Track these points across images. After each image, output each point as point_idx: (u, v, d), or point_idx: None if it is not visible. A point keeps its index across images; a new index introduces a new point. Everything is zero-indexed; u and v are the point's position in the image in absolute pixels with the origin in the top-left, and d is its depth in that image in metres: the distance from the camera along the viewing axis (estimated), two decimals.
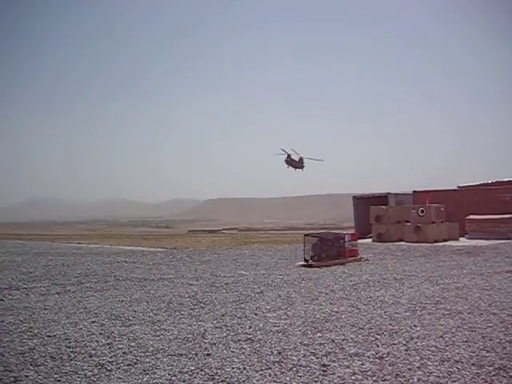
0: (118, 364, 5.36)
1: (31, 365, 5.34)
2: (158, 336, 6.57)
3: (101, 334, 6.70)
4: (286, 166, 65.23)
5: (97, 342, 6.28)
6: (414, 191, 30.67)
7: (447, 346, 5.91)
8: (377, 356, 5.59)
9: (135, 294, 9.97)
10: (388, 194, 30.43)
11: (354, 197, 33.33)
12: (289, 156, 65.05)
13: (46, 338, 6.45)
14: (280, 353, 5.73)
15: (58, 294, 10.15)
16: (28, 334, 6.71)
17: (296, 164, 65.73)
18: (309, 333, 6.66)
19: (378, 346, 6.01)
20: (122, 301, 9.23)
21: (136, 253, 21.49)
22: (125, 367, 5.25)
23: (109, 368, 5.22)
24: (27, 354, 5.73)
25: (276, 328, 6.94)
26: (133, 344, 6.16)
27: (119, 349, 5.94)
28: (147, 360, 5.49)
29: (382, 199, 29.48)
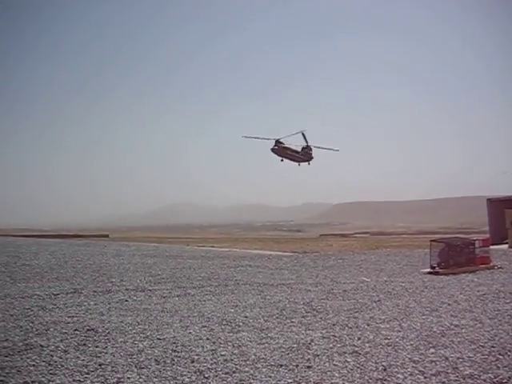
0: (216, 372, 5.34)
1: (135, 367, 5.49)
2: (263, 344, 6.49)
3: (208, 339, 6.76)
4: (279, 157, 51.78)
5: (202, 347, 6.34)
6: None
7: None
8: (495, 380, 5.06)
9: (251, 300, 10.01)
10: None
11: (489, 199, 31.27)
12: (278, 143, 51.21)
13: (155, 341, 6.62)
14: (385, 369, 5.40)
15: (178, 296, 10.44)
16: (141, 335, 6.93)
17: (292, 155, 52.05)
18: (421, 348, 6.24)
19: (498, 368, 5.45)
20: (237, 306, 9.30)
21: (262, 257, 21.73)
22: (222, 375, 5.23)
23: (207, 375, 5.22)
24: (135, 356, 5.91)
25: (386, 341, 6.59)
26: (236, 351, 6.14)
27: (221, 356, 5.94)
28: (246, 369, 5.43)
29: None
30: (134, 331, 7.18)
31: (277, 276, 14.00)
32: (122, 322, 7.81)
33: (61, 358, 5.82)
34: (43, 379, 5.07)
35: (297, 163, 54.81)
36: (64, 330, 7.13)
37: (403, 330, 7.22)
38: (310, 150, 52.50)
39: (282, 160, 51.91)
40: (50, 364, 5.56)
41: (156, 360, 5.75)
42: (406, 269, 15.26)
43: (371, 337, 6.83)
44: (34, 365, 5.53)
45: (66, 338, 6.69)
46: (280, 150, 50.63)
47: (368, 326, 7.54)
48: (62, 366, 5.52)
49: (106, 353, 6.04)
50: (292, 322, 7.90)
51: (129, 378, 5.15)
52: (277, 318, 8.22)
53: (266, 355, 5.97)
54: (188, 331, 7.20)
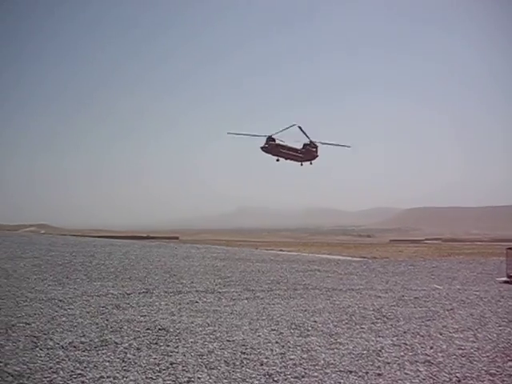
0: (285, 375, 5.34)
1: (206, 367, 5.57)
2: (332, 349, 6.44)
3: (277, 342, 6.76)
4: (274, 157, 44.99)
5: (271, 350, 6.35)
6: None
7: None
8: None
9: (320, 304, 9.94)
10: None
11: None
12: (269, 140, 44.91)
13: (225, 343, 6.69)
14: (459, 381, 5.23)
15: (247, 299, 10.50)
16: (211, 336, 7.02)
17: (289, 153, 45.58)
18: (498, 360, 6.00)
19: None
20: (306, 310, 9.26)
21: (331, 261, 21.58)
22: (292, 379, 5.22)
23: (276, 379, 5.23)
24: (205, 357, 5.99)
25: (460, 351, 6.38)
26: (305, 356, 6.11)
27: (291, 359, 5.93)
28: (315, 374, 5.39)
29: None
30: (204, 332, 7.28)
31: (346, 281, 13.86)
32: (192, 322, 7.94)
33: (134, 355, 5.98)
34: (117, 375, 5.23)
35: (298, 163, 49.37)
36: (137, 329, 7.33)
37: (478, 340, 6.98)
38: (314, 147, 47.55)
39: (277, 160, 47.20)
40: (123, 361, 5.73)
41: (226, 361, 5.81)
42: (480, 277, 14.76)
43: (444, 346, 6.64)
44: (108, 361, 5.71)
45: (139, 336, 6.87)
46: (272, 148, 45.71)
47: (441, 334, 7.33)
48: (135, 363, 5.67)
49: (177, 352, 6.16)
50: (362, 328, 7.79)
51: (199, 378, 5.23)
52: (346, 323, 8.13)
53: (335, 361, 5.92)
54: (257, 334, 7.24)
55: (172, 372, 5.40)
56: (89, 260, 17.35)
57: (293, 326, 7.81)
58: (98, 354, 5.95)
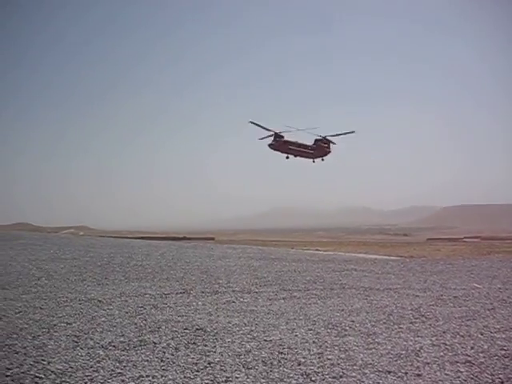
0: (323, 375, 5.32)
1: (243, 367, 5.59)
2: (370, 349, 6.38)
3: (314, 342, 6.74)
4: (284, 154, 41.48)
5: (308, 350, 6.34)
6: None
7: None
8: None
9: (357, 304, 9.87)
10: None
11: None
12: (277, 137, 42.31)
13: (262, 342, 6.70)
14: (502, 382, 5.14)
15: (283, 299, 10.50)
16: (248, 336, 7.04)
17: (299, 150, 42.43)
18: None
19: None
20: (343, 310, 9.21)
21: (367, 261, 21.38)
22: (329, 379, 5.20)
23: (313, 378, 5.22)
24: (242, 356, 6.01)
25: (503, 352, 6.25)
26: (343, 356, 6.08)
27: (328, 359, 5.90)
28: (353, 374, 5.36)
29: None
30: (241, 332, 7.31)
31: (383, 280, 13.72)
32: (229, 322, 7.98)
33: (172, 354, 6.04)
34: (156, 374, 5.29)
35: (310, 160, 46.74)
36: (175, 329, 7.40)
37: None
38: (326, 143, 45.20)
39: (287, 157, 44.89)
40: (162, 360, 5.79)
41: (263, 361, 5.82)
42: None
43: (485, 346, 6.51)
44: (147, 360, 5.78)
45: (177, 336, 6.94)
46: (280, 145, 43.15)
47: (481, 334, 7.20)
48: (174, 362, 5.73)
49: (214, 352, 6.20)
50: (400, 327, 7.71)
51: (237, 377, 5.26)
52: (384, 323, 8.06)
53: (373, 361, 5.87)
54: (294, 334, 7.23)
55: (210, 371, 5.43)
56: (127, 261, 17.58)
57: (330, 326, 7.78)
58: (136, 354, 6.03)
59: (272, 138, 44.08)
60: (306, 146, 45.45)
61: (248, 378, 5.24)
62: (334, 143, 46.68)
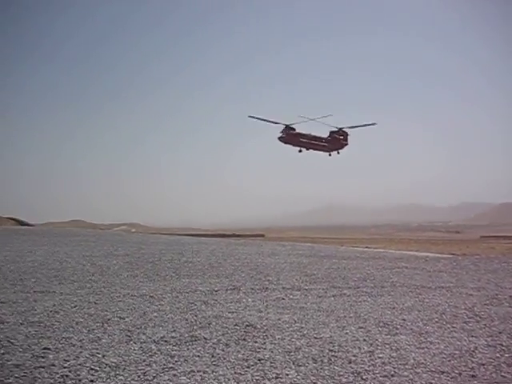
0: (374, 374, 5.26)
1: (293, 364, 5.58)
2: (423, 349, 6.27)
3: (365, 340, 6.68)
4: (296, 147, 37.49)
5: (359, 348, 6.28)
6: None
7: None
8: None
9: (408, 302, 9.72)
10: None
11: None
12: (288, 129, 38.87)
13: (312, 340, 6.68)
14: None
15: (333, 296, 10.44)
16: (298, 333, 7.03)
17: (311, 143, 38.78)
18: None
19: None
20: (393, 308, 9.09)
21: (418, 258, 21.04)
22: (380, 378, 5.13)
23: (364, 377, 5.16)
24: (292, 353, 6.01)
25: None
26: (394, 354, 5.99)
27: (379, 358, 5.83)
28: (405, 374, 5.28)
29: None
30: (291, 329, 7.31)
31: (435, 279, 13.47)
32: (279, 319, 7.99)
33: (223, 350, 6.09)
34: (207, 369, 5.35)
35: (325, 153, 43.29)
36: (225, 325, 7.46)
37: None
38: (342, 134, 42.19)
39: (299, 151, 42.03)
40: (213, 356, 5.85)
41: (313, 359, 5.80)
42: None
43: None
44: (198, 355, 5.85)
45: (227, 332, 6.99)
46: (290, 137, 39.97)
47: None
48: (224, 358, 5.78)
49: (264, 348, 6.21)
50: (453, 327, 7.54)
51: (287, 374, 5.25)
52: (436, 322, 7.90)
53: (425, 360, 5.76)
54: (344, 331, 7.18)
55: (260, 368, 5.45)
56: (177, 257, 17.85)
57: (381, 324, 7.69)
58: (188, 349, 6.11)
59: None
60: (319, 139, 42.79)
61: (298, 375, 5.23)
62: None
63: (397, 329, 7.39)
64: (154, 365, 5.47)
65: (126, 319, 7.68)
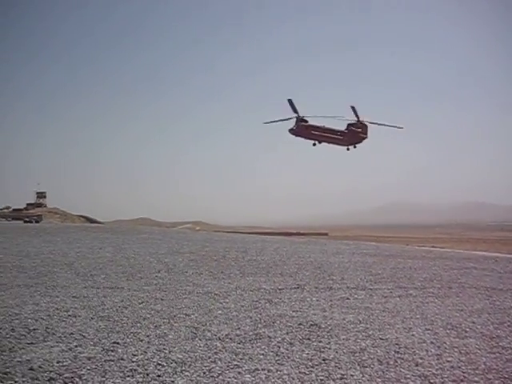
0: (442, 378, 5.12)
1: (358, 365, 5.52)
2: (494, 354, 6.05)
3: (432, 343, 6.52)
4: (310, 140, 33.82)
5: (426, 351, 6.13)
6: None
7: None
8: None
9: (478, 304, 9.42)
10: None
11: None
12: (300, 121, 34.99)
13: (377, 341, 6.58)
14: None
15: (399, 297, 10.24)
16: (363, 334, 6.95)
17: (325, 136, 34.55)
18: None
19: None
20: (462, 310, 8.82)
21: (488, 259, 20.33)
22: (449, 383, 4.99)
23: (432, 381, 5.03)
24: (357, 354, 5.94)
25: None
26: (463, 358, 5.82)
27: (448, 362, 5.67)
28: (475, 379, 5.10)
29: None
30: (356, 329, 7.22)
31: (506, 280, 12.98)
32: (343, 319, 7.92)
33: (287, 349, 6.09)
34: (272, 368, 5.36)
35: (342, 147, 39.59)
36: (289, 324, 7.46)
37: None
38: (360, 127, 38.15)
39: (314, 144, 38.58)
40: (277, 354, 5.86)
41: (379, 360, 5.72)
42: None
43: None
44: (263, 354, 5.87)
45: (291, 331, 6.99)
46: (301, 130, 36.26)
47: None
48: (289, 357, 5.77)
49: (329, 348, 6.17)
50: None
51: (352, 375, 5.20)
52: (508, 326, 7.62)
53: (497, 366, 5.56)
54: (411, 333, 7.03)
55: (325, 368, 5.42)
56: (241, 255, 17.99)
57: (449, 327, 7.48)
58: (252, 347, 6.14)
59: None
60: (334, 131, 39.11)
61: (363, 376, 5.17)
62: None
63: (466, 332, 7.17)
64: (219, 362, 5.53)
65: (192, 316, 7.81)
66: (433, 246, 35.97)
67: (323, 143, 40.86)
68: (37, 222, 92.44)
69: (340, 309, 8.74)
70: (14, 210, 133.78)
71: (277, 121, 42.25)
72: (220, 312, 8.17)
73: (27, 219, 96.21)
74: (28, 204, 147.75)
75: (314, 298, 9.70)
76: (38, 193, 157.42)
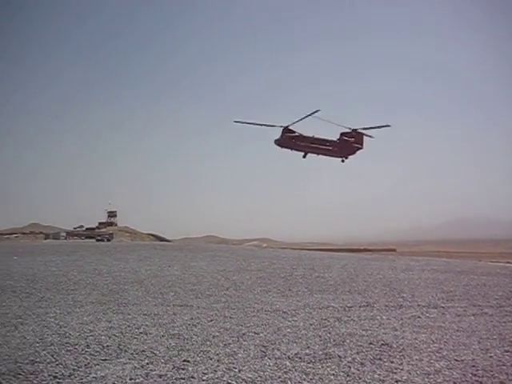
0: None
1: None
2: None
3: None
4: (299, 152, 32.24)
5: (506, 374, 5.84)
6: None
7: None
8: None
9: None
10: None
11: None
12: (286, 131, 33.51)
13: (453, 362, 6.34)
14: None
15: (473, 315, 9.87)
16: (437, 355, 6.72)
17: (313, 147, 32.83)
18: None
19: None
20: None
21: None
22: None
23: None
24: (432, 376, 5.74)
25: None
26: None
27: None
28: None
29: None
30: (429, 349, 7.00)
31: None
32: (415, 338, 7.69)
33: (358, 370, 5.97)
34: None
35: (338, 159, 37.34)
36: (359, 343, 7.32)
37: None
38: (354, 136, 36.08)
39: (304, 156, 36.57)
40: (348, 375, 5.75)
41: (455, 383, 5.51)
42: None
43: None
44: (333, 374, 5.78)
45: (362, 351, 6.85)
46: (286, 141, 34.44)
47: None
48: (360, 378, 5.66)
49: (401, 369, 6.00)
50: None
51: None
52: None
53: None
54: (488, 355, 6.74)
55: None
56: (309, 273, 17.88)
57: None
58: (322, 367, 6.06)
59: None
60: (323, 142, 37.45)
61: None
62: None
63: None
64: (289, 382, 5.48)
65: (261, 334, 7.80)
66: (508, 262, 34.55)
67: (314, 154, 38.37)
68: (108, 240, 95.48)
69: (411, 328, 8.51)
70: (87, 228, 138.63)
71: (249, 123, 39.66)
72: (289, 330, 8.12)
73: (99, 238, 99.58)
74: (100, 223, 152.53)
75: (384, 317, 9.49)
76: (109, 212, 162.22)
